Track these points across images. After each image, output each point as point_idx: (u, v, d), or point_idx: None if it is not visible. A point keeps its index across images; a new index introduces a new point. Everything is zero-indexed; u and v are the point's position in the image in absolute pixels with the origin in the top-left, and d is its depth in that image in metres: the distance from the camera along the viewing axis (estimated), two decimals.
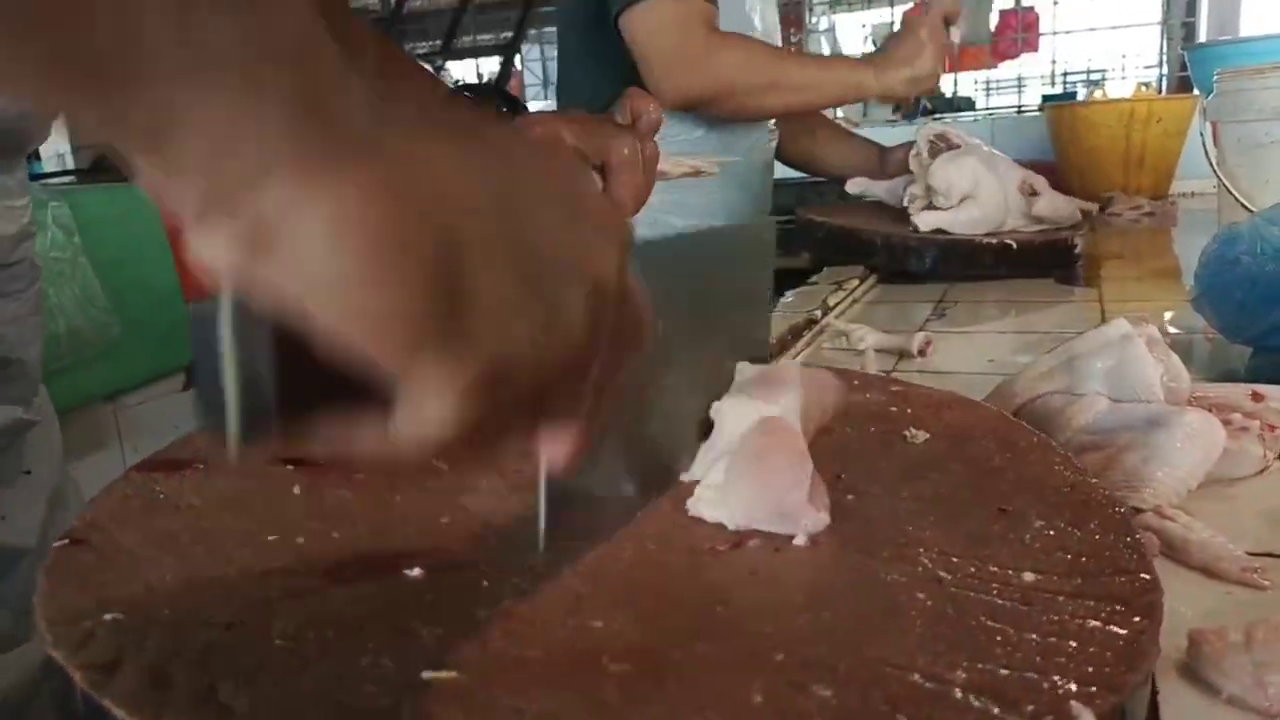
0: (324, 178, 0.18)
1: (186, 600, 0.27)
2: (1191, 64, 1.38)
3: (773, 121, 1.28)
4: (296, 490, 0.35)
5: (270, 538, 0.31)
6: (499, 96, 0.69)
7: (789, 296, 1.04)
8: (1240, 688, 0.28)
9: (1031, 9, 3.13)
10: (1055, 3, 2.99)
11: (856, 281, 1.09)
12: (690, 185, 1.24)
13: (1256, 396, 0.49)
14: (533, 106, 5.26)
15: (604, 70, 1.18)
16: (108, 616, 0.26)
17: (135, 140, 0.18)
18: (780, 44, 1.32)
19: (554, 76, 1.33)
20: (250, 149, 0.18)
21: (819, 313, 0.93)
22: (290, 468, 0.36)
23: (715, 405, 0.39)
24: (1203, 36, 2.47)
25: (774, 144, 1.32)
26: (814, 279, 1.12)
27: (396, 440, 0.21)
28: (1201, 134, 0.91)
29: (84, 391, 1.48)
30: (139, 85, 0.17)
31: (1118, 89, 2.94)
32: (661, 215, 1.24)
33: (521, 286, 0.21)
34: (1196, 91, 1.19)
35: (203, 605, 0.27)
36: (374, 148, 0.19)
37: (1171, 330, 0.74)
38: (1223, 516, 0.42)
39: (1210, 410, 0.46)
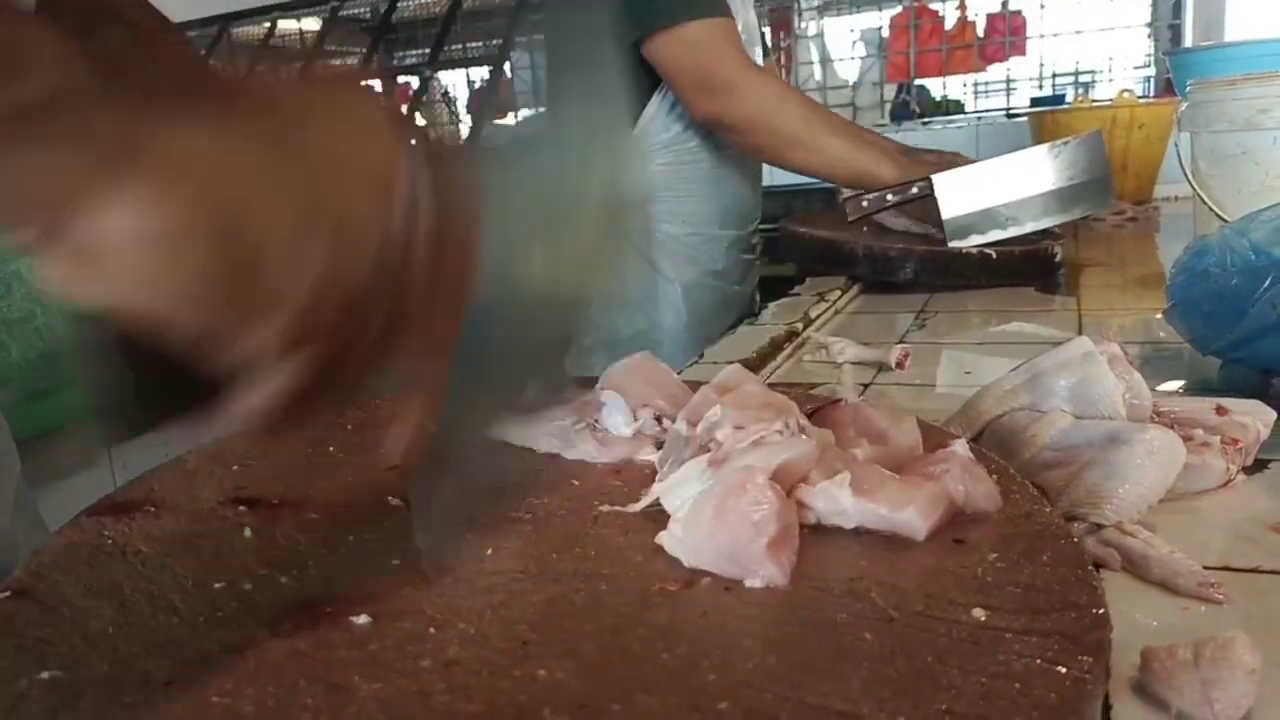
0: (104, 194, 0.20)
1: (126, 655, 0.27)
2: (1173, 69, 1.38)
3: None
4: (247, 533, 0.35)
5: (216, 585, 0.31)
6: None
7: (771, 308, 1.04)
8: (1189, 704, 0.29)
9: (1019, 12, 3.13)
10: (1042, 6, 2.99)
11: (839, 292, 1.09)
12: (684, 194, 1.24)
13: (1220, 411, 0.49)
14: (524, 113, 5.26)
15: (600, 83, 1.18)
16: (44, 675, 0.26)
17: None
18: (766, 48, 1.32)
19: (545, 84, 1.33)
20: (41, 189, 0.20)
21: (800, 325, 0.93)
22: (242, 508, 0.36)
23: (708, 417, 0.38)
24: (1189, 40, 2.48)
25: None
26: (796, 290, 1.12)
27: (244, 408, 0.24)
28: (1176, 144, 0.91)
29: (71, 411, 1.47)
30: None
31: (1106, 91, 2.95)
32: (658, 224, 1.24)
33: (304, 236, 0.23)
34: (1179, 96, 1.20)
35: (142, 660, 0.27)
36: (134, 156, 0.21)
37: (1146, 341, 0.74)
38: (1186, 530, 0.42)
39: (1173, 426, 0.47)
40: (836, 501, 0.35)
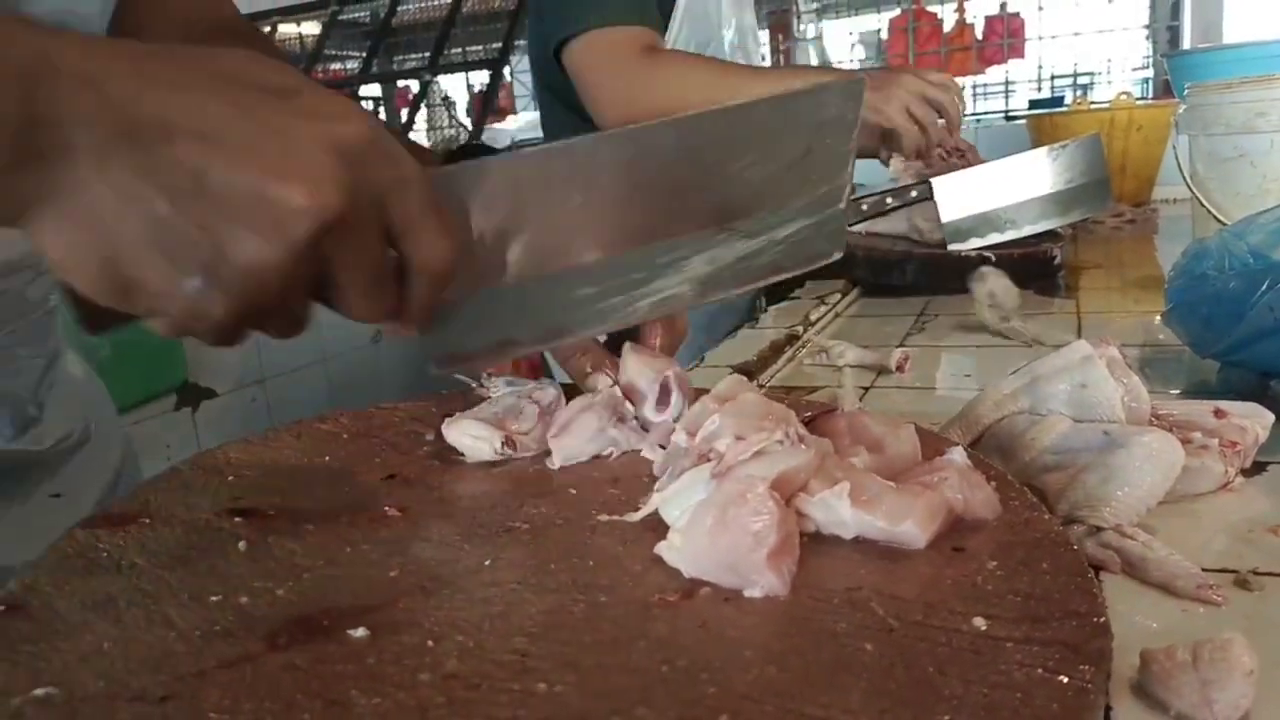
0: (38, 218, 0.29)
1: (121, 671, 0.27)
2: (1171, 71, 1.38)
3: None
4: (242, 546, 0.35)
5: (212, 598, 0.31)
6: None
7: (771, 312, 1.04)
8: (1188, 706, 0.29)
9: (1017, 14, 3.14)
10: (1040, 8, 3.00)
11: (839, 295, 1.09)
12: None
13: (1219, 414, 0.49)
14: (523, 117, 5.26)
15: (563, 101, 1.18)
16: (39, 692, 0.25)
17: None
18: (763, 51, 1.32)
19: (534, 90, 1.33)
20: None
21: (800, 328, 0.93)
22: (237, 520, 0.36)
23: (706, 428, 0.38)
24: (1188, 41, 2.48)
25: None
26: (796, 293, 1.12)
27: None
28: (1174, 147, 0.91)
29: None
30: None
31: (1105, 93, 2.96)
32: None
33: (179, 259, 0.29)
34: (1178, 98, 1.20)
35: (137, 676, 0.27)
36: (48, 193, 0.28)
37: (1145, 344, 0.74)
38: (1185, 533, 0.42)
39: (1171, 429, 0.47)
40: (835, 512, 0.35)
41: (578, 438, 0.45)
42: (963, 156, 1.16)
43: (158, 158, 0.28)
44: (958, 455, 0.39)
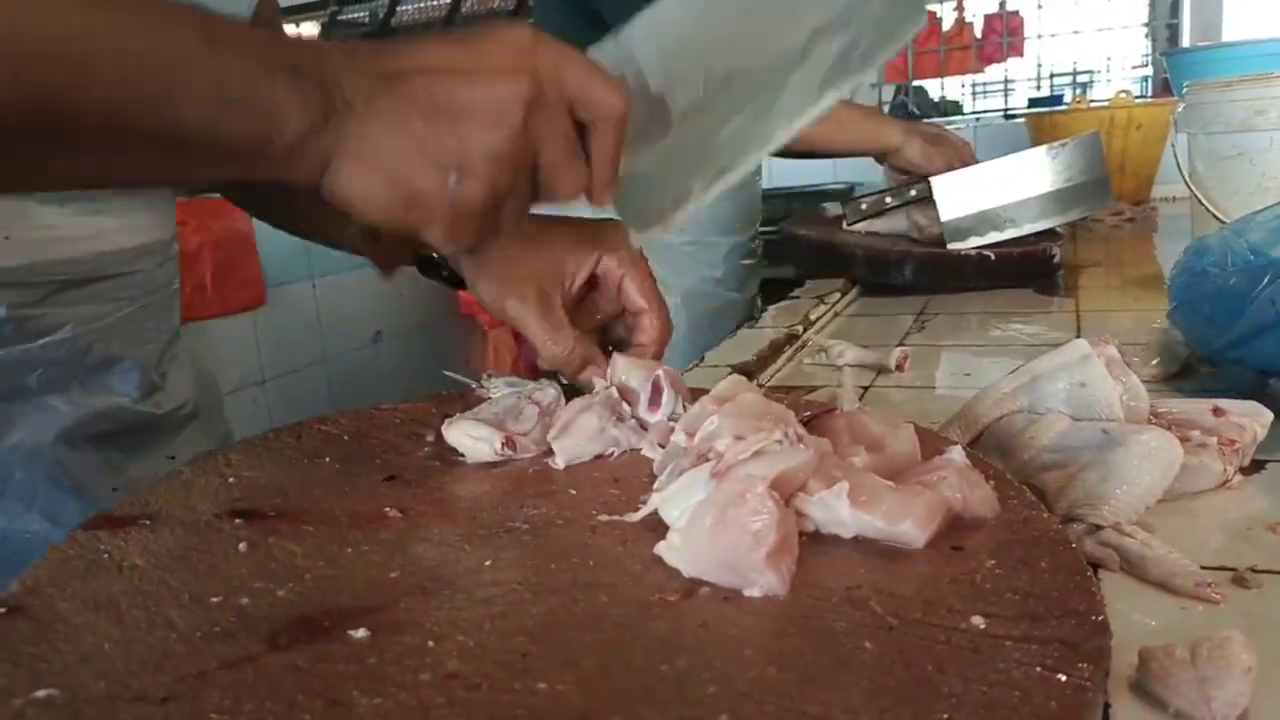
0: (342, 163, 0.38)
1: (122, 672, 0.27)
2: (1170, 69, 1.38)
3: None
4: (243, 547, 0.35)
5: (214, 599, 0.31)
6: None
7: (771, 311, 1.04)
8: (1186, 703, 0.29)
9: (1016, 13, 3.14)
10: (1040, 6, 3.00)
11: (838, 294, 1.09)
12: None
13: (1217, 412, 0.49)
14: None
15: None
16: (40, 693, 0.26)
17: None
18: None
19: None
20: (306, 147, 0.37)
21: (800, 328, 0.93)
22: (238, 521, 0.36)
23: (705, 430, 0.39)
24: (1187, 39, 2.48)
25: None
26: (796, 293, 1.12)
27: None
28: (1173, 145, 0.91)
29: None
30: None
31: (1104, 91, 2.96)
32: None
33: (440, 160, 0.38)
34: (1177, 97, 1.20)
35: (139, 677, 0.27)
36: (342, 131, 0.37)
37: (1145, 343, 0.74)
38: (1183, 531, 0.42)
39: (1170, 427, 0.47)
40: (834, 512, 0.35)
41: (579, 437, 0.45)
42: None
43: (407, 93, 0.38)
44: (957, 454, 0.39)
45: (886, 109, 3.13)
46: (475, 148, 0.38)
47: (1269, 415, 0.49)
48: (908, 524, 0.35)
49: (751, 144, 0.47)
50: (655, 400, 0.47)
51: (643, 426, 0.47)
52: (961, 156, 1.15)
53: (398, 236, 0.42)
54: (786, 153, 1.40)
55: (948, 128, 1.52)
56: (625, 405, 0.47)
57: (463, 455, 0.45)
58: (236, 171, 0.38)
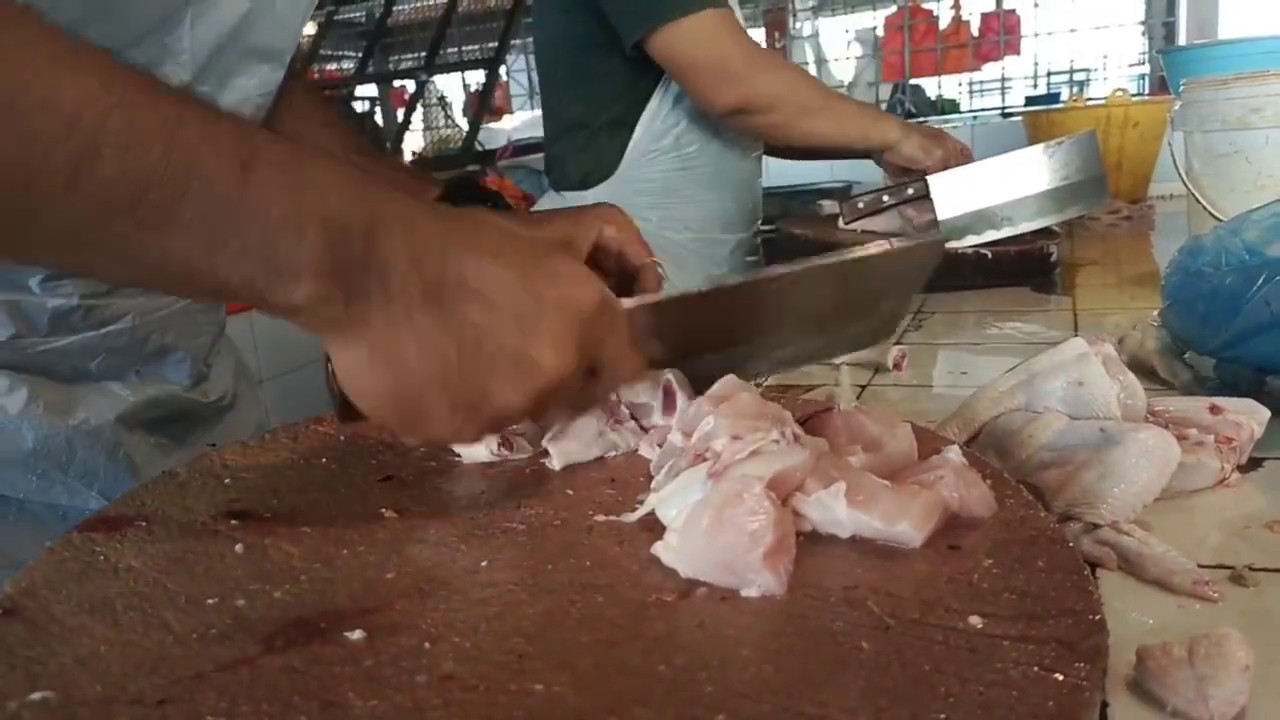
0: (353, 348, 0.35)
1: (118, 674, 0.27)
2: (1167, 67, 1.38)
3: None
4: (239, 549, 0.35)
5: (209, 601, 0.31)
6: (478, 194, 0.76)
7: None
8: (1184, 701, 0.29)
9: (1013, 11, 3.14)
10: (1036, 4, 3.00)
11: None
12: (686, 199, 1.24)
13: (1214, 410, 0.49)
14: (519, 117, 5.25)
15: (598, 93, 1.19)
16: (35, 696, 0.25)
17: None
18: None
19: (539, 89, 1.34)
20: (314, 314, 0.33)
21: None
22: (234, 522, 0.36)
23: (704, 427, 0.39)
24: (1183, 37, 2.48)
25: (759, 153, 1.32)
26: None
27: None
28: (1170, 143, 0.91)
29: None
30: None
31: (1101, 89, 2.96)
32: (660, 231, 1.24)
33: (457, 399, 0.36)
34: (1173, 94, 1.20)
35: (135, 679, 0.27)
36: (360, 326, 0.34)
37: (1147, 342, 0.74)
38: (1181, 529, 0.43)
39: (1167, 425, 0.47)
40: (831, 511, 0.35)
41: (577, 441, 0.45)
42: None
43: (455, 316, 0.34)
44: (953, 454, 0.39)
45: (884, 107, 3.13)
46: (491, 400, 0.36)
47: (1266, 413, 0.49)
48: (904, 524, 0.35)
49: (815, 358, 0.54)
50: (670, 405, 0.46)
51: (644, 429, 0.47)
52: (959, 155, 1.15)
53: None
54: (785, 153, 1.40)
55: (945, 127, 1.52)
56: (624, 408, 0.47)
57: (459, 456, 0.45)
58: (206, 298, 0.36)
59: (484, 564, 0.35)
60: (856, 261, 0.50)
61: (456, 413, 0.35)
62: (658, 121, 1.19)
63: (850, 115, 1.17)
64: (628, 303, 0.43)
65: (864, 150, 1.18)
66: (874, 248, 0.50)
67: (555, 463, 0.44)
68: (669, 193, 1.22)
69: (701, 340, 0.48)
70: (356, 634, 0.29)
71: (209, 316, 0.68)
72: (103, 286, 0.58)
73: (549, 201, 1.32)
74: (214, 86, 0.52)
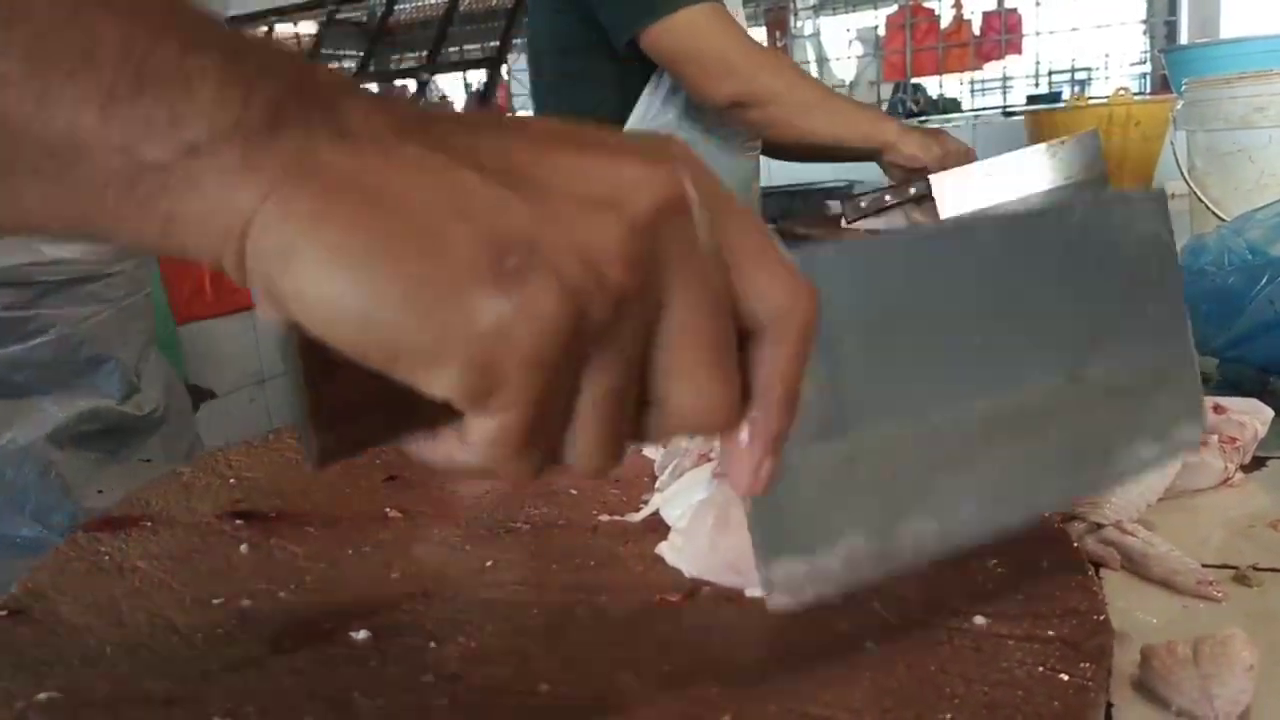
0: (299, 205, 0.19)
1: (125, 674, 0.27)
2: (1169, 66, 1.38)
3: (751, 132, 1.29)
4: (244, 549, 0.35)
5: (215, 601, 0.31)
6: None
7: None
8: (1188, 701, 0.29)
9: (1014, 10, 3.14)
10: (1038, 3, 3.00)
11: None
12: None
13: (1218, 409, 0.49)
14: (520, 115, 5.24)
15: (588, 93, 1.19)
16: (42, 696, 0.26)
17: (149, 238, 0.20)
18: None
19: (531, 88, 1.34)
20: (230, 197, 0.19)
21: None
22: (239, 522, 0.36)
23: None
24: (1185, 36, 2.48)
25: (756, 152, 1.32)
26: None
27: (466, 452, 0.21)
28: (1172, 142, 0.91)
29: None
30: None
31: (1103, 88, 2.96)
32: None
33: (498, 235, 0.19)
34: (1175, 94, 1.20)
35: (141, 679, 0.27)
36: (301, 178, 0.19)
37: None
38: (1185, 528, 0.42)
39: None
40: None
41: None
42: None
43: (464, 145, 0.20)
44: None
45: (885, 107, 3.13)
46: (569, 236, 0.20)
47: (1269, 412, 0.49)
48: None
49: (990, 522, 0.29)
50: None
51: None
52: (960, 155, 1.15)
53: (362, 398, 0.21)
54: (785, 154, 1.40)
55: (946, 127, 1.52)
56: None
57: None
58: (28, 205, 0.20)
59: (489, 564, 0.35)
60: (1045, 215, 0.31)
61: (506, 258, 0.19)
62: (647, 121, 1.19)
63: (849, 114, 1.16)
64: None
65: (863, 151, 1.18)
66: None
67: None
68: None
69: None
70: (362, 634, 0.29)
71: (137, 323, 0.66)
72: (28, 295, 0.55)
73: None
74: None
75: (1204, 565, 0.38)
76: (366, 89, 0.22)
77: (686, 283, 0.21)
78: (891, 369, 0.27)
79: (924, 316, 0.28)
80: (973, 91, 3.60)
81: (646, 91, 1.19)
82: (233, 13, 3.50)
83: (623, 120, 1.20)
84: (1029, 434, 0.29)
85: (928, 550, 0.27)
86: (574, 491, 0.41)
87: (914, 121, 2.82)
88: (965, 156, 1.16)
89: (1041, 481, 0.30)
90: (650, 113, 1.19)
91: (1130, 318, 0.32)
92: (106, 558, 0.34)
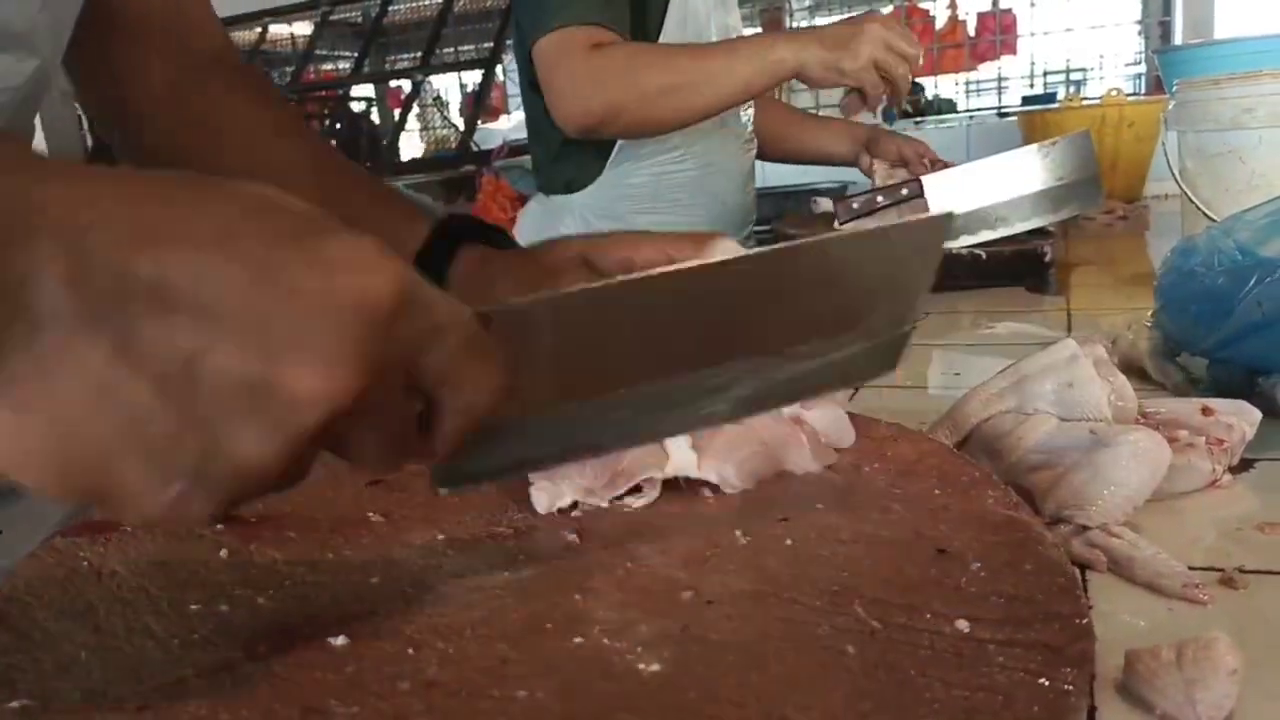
0: None
1: (99, 680, 0.27)
2: (1163, 67, 1.39)
3: (749, 131, 1.28)
4: (223, 554, 0.34)
5: (193, 606, 0.31)
6: (479, 233, 0.62)
7: None
8: (1172, 705, 0.29)
9: (1009, 11, 3.14)
10: (1032, 4, 3.00)
11: None
12: (671, 204, 1.24)
13: (1206, 411, 0.49)
14: (516, 117, 5.25)
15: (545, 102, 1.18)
16: (14, 704, 0.25)
17: None
18: None
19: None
20: None
21: None
22: (219, 526, 0.36)
23: None
24: (1179, 37, 2.48)
25: (753, 153, 1.32)
26: None
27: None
28: (1164, 143, 0.91)
29: None
30: None
31: (1098, 89, 2.96)
32: None
33: (174, 456, 0.23)
34: (1168, 95, 1.20)
35: (115, 685, 0.27)
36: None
37: (1138, 343, 0.74)
38: (1172, 531, 0.42)
39: (1158, 427, 0.47)
40: None
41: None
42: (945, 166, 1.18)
43: (146, 335, 0.22)
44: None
45: (880, 107, 3.12)
46: (225, 455, 0.23)
47: (1257, 414, 0.49)
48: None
49: (632, 438, 0.37)
50: None
51: None
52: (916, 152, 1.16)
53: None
54: (774, 159, 1.40)
55: (940, 127, 1.52)
56: None
57: None
58: None
59: (470, 569, 0.34)
60: (830, 245, 0.35)
61: (169, 480, 0.23)
62: None
63: (718, 71, 1.02)
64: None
65: (772, 86, 1.10)
66: (854, 229, 0.40)
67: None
68: (656, 197, 1.22)
69: (613, 367, 0.33)
70: (340, 639, 0.29)
71: None
72: None
73: (537, 205, 1.32)
74: None
75: (1190, 568, 0.38)
76: (69, 211, 0.22)
77: (361, 431, 0.26)
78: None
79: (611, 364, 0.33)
80: (967, 92, 3.60)
81: None
82: (226, 14, 3.49)
83: None
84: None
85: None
86: None
87: (910, 124, 2.82)
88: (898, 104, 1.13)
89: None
90: None
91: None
92: (85, 563, 0.34)
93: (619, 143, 1.19)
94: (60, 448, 0.22)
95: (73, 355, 0.22)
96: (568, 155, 1.22)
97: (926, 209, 1.07)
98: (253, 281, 0.23)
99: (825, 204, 1.23)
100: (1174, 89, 0.86)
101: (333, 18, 3.73)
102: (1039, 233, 1.10)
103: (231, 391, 0.23)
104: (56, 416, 0.22)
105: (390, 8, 3.51)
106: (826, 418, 0.37)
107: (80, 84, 0.55)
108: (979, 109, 3.22)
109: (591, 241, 0.44)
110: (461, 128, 3.28)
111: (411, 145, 3.49)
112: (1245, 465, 0.49)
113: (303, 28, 3.83)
